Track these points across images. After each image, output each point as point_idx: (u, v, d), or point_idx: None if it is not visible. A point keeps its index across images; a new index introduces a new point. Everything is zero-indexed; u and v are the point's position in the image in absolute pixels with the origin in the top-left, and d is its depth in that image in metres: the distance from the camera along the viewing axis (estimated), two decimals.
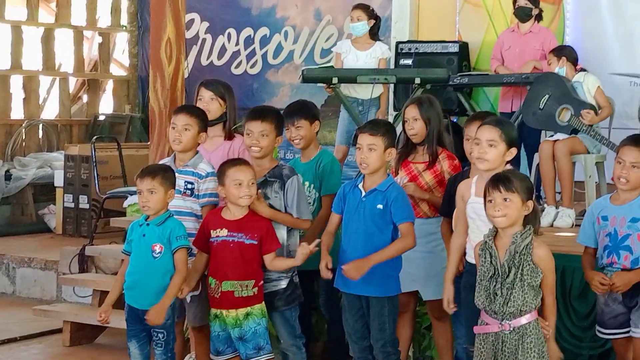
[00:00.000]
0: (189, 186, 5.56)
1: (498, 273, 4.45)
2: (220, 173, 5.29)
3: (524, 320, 4.45)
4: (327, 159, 6.08)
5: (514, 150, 4.94)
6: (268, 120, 5.49)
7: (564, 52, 7.39)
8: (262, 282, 5.28)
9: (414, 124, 5.73)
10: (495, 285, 4.46)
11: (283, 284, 5.37)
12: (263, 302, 5.29)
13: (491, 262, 4.47)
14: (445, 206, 5.46)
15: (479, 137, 4.89)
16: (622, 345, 4.98)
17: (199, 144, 5.69)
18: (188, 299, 5.52)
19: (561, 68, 7.25)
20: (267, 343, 5.26)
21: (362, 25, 8.25)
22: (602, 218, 5.01)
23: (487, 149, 4.86)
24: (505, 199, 4.44)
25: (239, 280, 5.21)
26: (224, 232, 5.25)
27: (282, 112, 5.87)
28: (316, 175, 5.94)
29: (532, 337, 4.44)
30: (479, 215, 4.80)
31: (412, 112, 5.77)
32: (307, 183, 5.94)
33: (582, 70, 7.36)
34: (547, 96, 7.21)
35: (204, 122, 5.71)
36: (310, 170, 5.97)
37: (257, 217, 5.26)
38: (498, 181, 4.48)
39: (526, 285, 4.43)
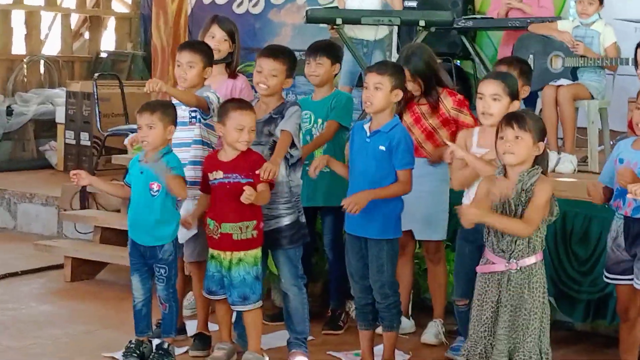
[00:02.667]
0: (193, 114, 5.55)
1: (506, 211, 4.46)
2: (223, 111, 5.24)
3: (531, 260, 4.47)
4: (343, 95, 6.11)
5: (516, 103, 4.94)
6: (280, 60, 5.44)
7: None
8: (262, 224, 5.26)
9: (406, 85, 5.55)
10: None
11: (286, 220, 5.36)
12: (259, 248, 5.27)
13: (499, 199, 4.49)
14: None
15: (482, 92, 4.89)
16: (624, 292, 5.01)
17: (205, 79, 5.67)
18: (185, 238, 5.54)
19: (598, 14, 7.17)
20: (254, 293, 5.23)
21: None
22: (619, 160, 4.99)
23: (491, 103, 4.86)
24: (517, 137, 4.43)
25: (239, 222, 5.20)
26: (219, 175, 5.23)
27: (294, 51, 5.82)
28: (330, 108, 5.92)
29: (538, 277, 4.47)
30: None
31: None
32: (319, 120, 5.93)
33: (599, 16, 7.27)
34: (531, 56, 7.20)
35: (209, 57, 5.66)
36: (323, 107, 5.96)
37: (250, 154, 5.21)
38: (512, 118, 4.48)
39: None
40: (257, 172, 5.08)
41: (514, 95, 4.91)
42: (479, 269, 4.61)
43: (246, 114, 5.17)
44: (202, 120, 5.55)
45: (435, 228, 5.82)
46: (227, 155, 5.24)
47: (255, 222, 5.22)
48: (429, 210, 5.75)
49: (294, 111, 5.38)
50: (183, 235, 5.55)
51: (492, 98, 4.85)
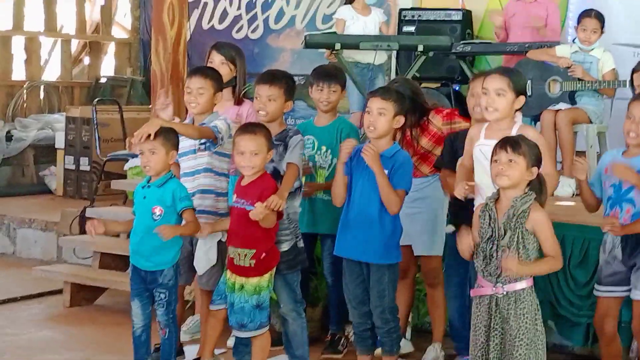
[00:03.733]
0: (202, 141, 5.55)
1: (495, 235, 4.47)
2: (234, 137, 5.29)
3: (518, 286, 4.46)
4: (348, 125, 6.11)
5: (522, 98, 4.90)
6: (277, 84, 5.47)
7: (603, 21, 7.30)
8: (265, 254, 5.21)
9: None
10: (491, 248, 4.49)
11: (284, 246, 5.37)
12: (264, 277, 5.23)
13: (489, 224, 4.50)
14: (441, 159, 5.48)
15: (487, 87, 4.85)
16: (606, 304, 5.00)
17: (215, 105, 5.67)
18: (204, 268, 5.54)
19: (598, 42, 7.22)
20: (252, 321, 5.21)
21: None
22: (610, 169, 5.01)
23: (496, 98, 4.83)
24: (510, 160, 4.44)
25: (239, 248, 5.20)
26: (234, 198, 5.26)
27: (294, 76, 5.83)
28: (337, 141, 5.91)
29: (526, 303, 4.46)
30: (487, 157, 4.76)
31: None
32: (323, 148, 5.95)
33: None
34: (529, 82, 7.23)
35: (219, 83, 5.67)
36: (328, 135, 5.96)
37: (264, 181, 5.21)
38: (506, 142, 4.50)
39: (521, 250, 4.45)
40: (256, 204, 5.08)
41: (519, 91, 4.88)
42: (472, 292, 4.62)
43: (247, 138, 5.16)
44: (210, 148, 5.56)
45: (434, 244, 5.83)
46: (245, 180, 5.25)
47: (254, 251, 5.19)
48: (427, 226, 5.76)
49: (297, 141, 5.40)
50: (203, 267, 5.54)
51: (497, 93, 4.82)
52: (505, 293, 4.45)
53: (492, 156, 4.53)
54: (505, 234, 4.44)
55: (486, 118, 4.90)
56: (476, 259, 4.57)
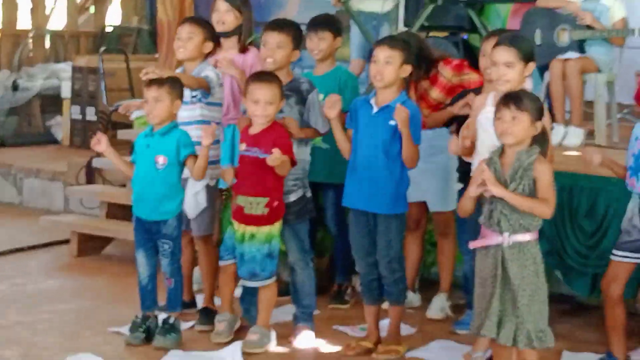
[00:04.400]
0: (194, 94, 5.54)
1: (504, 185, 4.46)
2: (245, 85, 5.27)
3: (524, 237, 4.45)
4: (346, 74, 6.09)
5: (532, 65, 4.85)
6: (285, 32, 5.43)
7: None
8: (277, 202, 5.23)
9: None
10: (495, 200, 4.47)
11: (292, 197, 5.36)
12: (275, 225, 5.26)
13: (495, 175, 4.48)
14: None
15: (496, 59, 4.82)
16: (617, 268, 4.97)
17: (205, 54, 5.65)
18: (194, 213, 5.56)
19: None
20: (264, 270, 5.24)
21: None
22: (636, 138, 4.96)
23: (506, 70, 4.79)
24: (514, 117, 4.43)
25: (251, 197, 5.20)
26: (243, 147, 5.24)
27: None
28: (337, 90, 5.85)
29: (529, 255, 4.45)
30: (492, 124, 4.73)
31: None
32: (321, 95, 5.92)
33: None
34: (538, 31, 7.15)
35: (209, 32, 5.67)
36: (326, 83, 5.91)
37: (275, 130, 5.20)
38: (509, 99, 4.47)
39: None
40: (273, 150, 5.06)
41: (528, 58, 4.83)
42: (472, 244, 4.59)
43: (262, 86, 5.16)
44: (202, 100, 5.56)
45: (447, 199, 5.83)
46: (254, 128, 5.24)
47: (267, 199, 5.20)
48: (441, 182, 5.76)
49: (316, 101, 5.38)
50: (193, 210, 5.55)
51: (506, 65, 4.80)
52: (510, 243, 4.44)
53: (495, 114, 4.50)
54: (508, 185, 4.42)
55: (498, 89, 4.84)
56: (481, 213, 4.55)
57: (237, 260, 5.29)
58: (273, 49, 5.39)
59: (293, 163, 5.21)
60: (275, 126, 5.22)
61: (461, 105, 5.40)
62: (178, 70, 5.75)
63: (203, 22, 5.73)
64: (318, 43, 6.01)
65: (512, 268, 4.44)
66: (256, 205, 5.21)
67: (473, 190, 4.48)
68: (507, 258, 4.45)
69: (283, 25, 5.48)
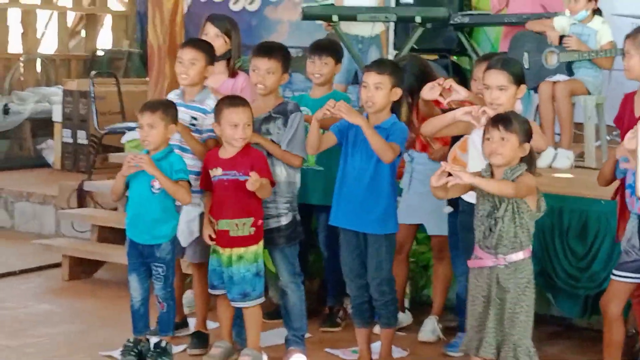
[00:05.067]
0: (194, 121, 5.55)
1: (493, 208, 4.52)
2: (217, 111, 5.26)
3: (518, 256, 4.53)
4: (341, 97, 6.09)
5: (523, 87, 4.94)
6: (275, 57, 5.44)
7: None
8: (261, 221, 5.27)
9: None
10: (489, 222, 4.54)
11: (284, 220, 5.38)
12: (260, 244, 5.29)
13: (487, 199, 4.54)
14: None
15: (488, 83, 4.88)
16: (616, 287, 4.98)
17: (206, 78, 5.66)
18: (187, 241, 5.56)
19: (587, 11, 7.16)
20: (254, 290, 5.25)
21: None
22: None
23: (499, 93, 4.86)
24: (502, 138, 4.48)
25: (235, 219, 5.20)
26: (219, 172, 5.24)
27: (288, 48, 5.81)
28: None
29: (525, 272, 4.55)
30: None
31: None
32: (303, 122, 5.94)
33: (599, 13, 7.26)
34: (526, 54, 7.21)
35: (211, 56, 5.66)
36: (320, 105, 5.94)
37: (249, 151, 5.22)
38: (498, 121, 4.53)
39: (517, 220, 4.51)
40: (251, 174, 5.08)
41: (519, 81, 4.91)
42: (470, 263, 4.66)
43: (239, 110, 5.18)
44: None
45: (444, 223, 5.83)
46: (226, 152, 5.25)
47: (252, 219, 5.23)
48: (438, 206, 5.76)
49: (298, 122, 5.37)
50: (185, 238, 5.56)
51: (499, 89, 4.86)
52: (507, 264, 4.49)
53: (484, 134, 4.55)
54: (500, 205, 4.49)
55: (490, 113, 4.86)
56: (476, 232, 4.59)
57: (226, 284, 5.28)
58: (264, 75, 5.41)
59: (272, 184, 5.23)
60: (249, 149, 5.24)
61: (430, 87, 5.32)
62: (171, 95, 5.74)
63: (205, 46, 5.69)
64: (321, 67, 6.04)
65: (509, 287, 4.50)
66: (242, 226, 5.22)
67: (435, 180, 4.49)
68: (502, 278, 4.51)
69: (272, 51, 5.49)
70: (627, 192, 4.94)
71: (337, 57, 6.14)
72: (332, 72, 6.10)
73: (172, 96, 5.69)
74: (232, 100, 5.28)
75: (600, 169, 5.20)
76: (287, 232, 5.39)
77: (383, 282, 5.21)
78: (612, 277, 4.98)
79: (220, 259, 5.27)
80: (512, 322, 4.50)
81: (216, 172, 5.25)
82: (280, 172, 5.37)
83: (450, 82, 5.11)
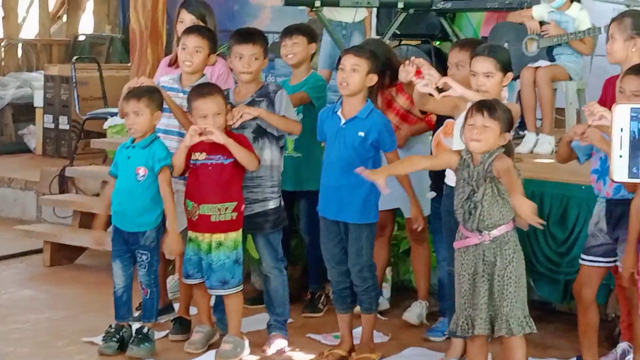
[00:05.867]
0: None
1: (473, 190, 4.56)
2: (188, 101, 5.25)
3: (502, 230, 4.56)
4: (317, 76, 6.11)
5: (510, 75, 4.96)
6: (258, 43, 5.42)
7: None
8: (243, 206, 5.27)
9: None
10: (469, 205, 4.57)
11: (271, 204, 5.38)
12: (240, 231, 5.28)
13: (468, 182, 4.56)
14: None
15: (475, 70, 4.90)
16: (587, 273, 5.00)
17: (206, 65, 5.64)
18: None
19: None
20: (234, 277, 5.24)
21: None
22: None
23: (485, 80, 4.88)
24: (485, 125, 4.49)
25: (218, 204, 5.20)
26: (202, 156, 5.23)
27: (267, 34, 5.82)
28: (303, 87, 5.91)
29: (510, 244, 4.57)
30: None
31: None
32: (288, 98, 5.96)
33: (577, 0, 7.29)
34: (506, 44, 7.23)
35: (214, 44, 5.64)
36: (299, 91, 5.95)
37: (232, 136, 5.20)
38: (482, 106, 4.54)
39: (497, 198, 4.54)
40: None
41: (506, 69, 4.93)
42: (455, 244, 4.68)
43: (207, 101, 5.14)
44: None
45: (422, 206, 5.84)
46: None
47: (235, 203, 5.22)
48: (417, 188, 5.76)
49: (285, 96, 5.38)
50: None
51: (485, 75, 4.87)
52: (492, 239, 4.52)
53: (465, 118, 4.56)
54: (478, 189, 4.53)
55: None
56: (457, 213, 4.62)
57: (204, 272, 5.27)
58: (249, 61, 5.38)
59: (258, 161, 5.24)
60: (230, 134, 5.22)
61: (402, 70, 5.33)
62: (165, 79, 5.68)
63: (209, 34, 5.63)
64: (292, 47, 6.03)
65: (496, 261, 4.54)
66: (224, 211, 5.21)
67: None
68: (488, 253, 4.55)
69: (255, 37, 5.47)
70: (593, 176, 4.97)
71: (310, 37, 6.09)
72: (305, 52, 6.06)
73: (168, 80, 5.65)
74: (200, 90, 5.24)
75: (556, 151, 5.21)
76: (274, 217, 5.39)
77: (364, 268, 5.22)
78: (581, 261, 5.03)
79: (199, 246, 5.26)
80: (502, 295, 4.52)
81: (200, 157, 5.24)
82: (268, 156, 5.36)
83: (420, 61, 5.05)
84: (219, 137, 5.11)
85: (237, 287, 5.28)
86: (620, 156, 1.97)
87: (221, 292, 5.29)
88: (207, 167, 5.22)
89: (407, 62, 5.05)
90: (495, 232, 4.55)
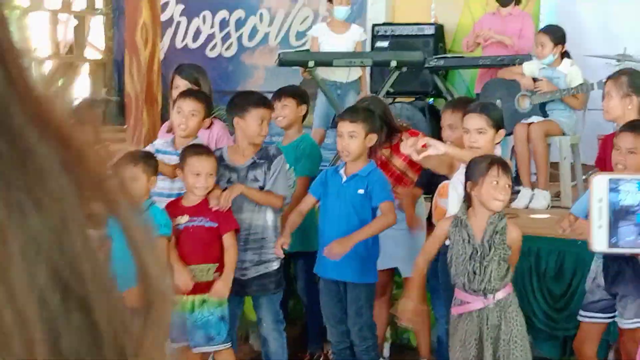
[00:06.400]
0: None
1: (476, 252, 4.53)
2: (182, 157, 5.26)
3: (505, 292, 4.58)
4: (308, 142, 6.13)
5: (502, 132, 5.00)
6: (269, 106, 5.50)
7: (562, 37, 7.26)
8: (223, 267, 5.22)
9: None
10: (474, 265, 4.55)
11: (275, 265, 5.37)
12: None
13: (469, 241, 4.55)
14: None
15: (467, 127, 4.93)
16: (587, 329, 5.01)
17: (200, 129, 5.67)
18: None
19: (554, 55, 7.23)
20: (219, 334, 5.19)
21: (346, 10, 8.29)
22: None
23: (477, 136, 4.91)
24: (508, 185, 4.52)
25: (199, 264, 5.18)
26: (185, 219, 5.22)
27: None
28: (296, 158, 5.95)
29: (513, 306, 4.59)
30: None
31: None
32: (286, 166, 5.98)
33: (567, 56, 7.35)
34: (499, 101, 7.29)
35: (209, 108, 5.68)
36: (290, 153, 5.98)
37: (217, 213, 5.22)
38: (506, 167, 4.58)
39: (501, 261, 4.55)
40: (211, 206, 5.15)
41: (498, 125, 4.97)
42: (455, 310, 4.64)
43: (202, 159, 5.16)
44: None
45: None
46: (189, 200, 5.23)
47: (217, 264, 5.19)
48: (410, 248, 5.77)
49: (281, 165, 5.39)
50: None
51: (478, 132, 4.91)
52: (495, 302, 4.52)
53: (484, 175, 4.52)
54: (490, 250, 4.52)
55: (466, 159, 4.88)
56: (457, 277, 4.60)
57: (189, 332, 5.22)
58: (264, 126, 5.35)
59: (237, 231, 5.22)
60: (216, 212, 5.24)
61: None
62: (159, 142, 5.73)
63: (204, 98, 5.67)
64: (281, 110, 6.08)
65: (500, 324, 4.53)
66: (207, 271, 5.19)
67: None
68: (492, 316, 4.54)
69: (266, 100, 5.52)
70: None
71: (299, 99, 6.14)
72: (294, 114, 6.11)
73: (162, 143, 5.68)
74: (197, 149, 5.26)
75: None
76: (276, 277, 5.39)
77: (364, 327, 5.21)
78: (580, 318, 5.02)
79: (183, 306, 5.21)
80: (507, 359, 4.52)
81: (182, 220, 5.22)
82: (270, 217, 5.37)
83: (427, 140, 5.08)
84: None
85: (224, 343, 5.21)
86: (600, 226, 1.99)
87: (206, 348, 5.21)
88: (189, 230, 5.21)
89: (410, 138, 5.06)
90: (499, 295, 4.54)
